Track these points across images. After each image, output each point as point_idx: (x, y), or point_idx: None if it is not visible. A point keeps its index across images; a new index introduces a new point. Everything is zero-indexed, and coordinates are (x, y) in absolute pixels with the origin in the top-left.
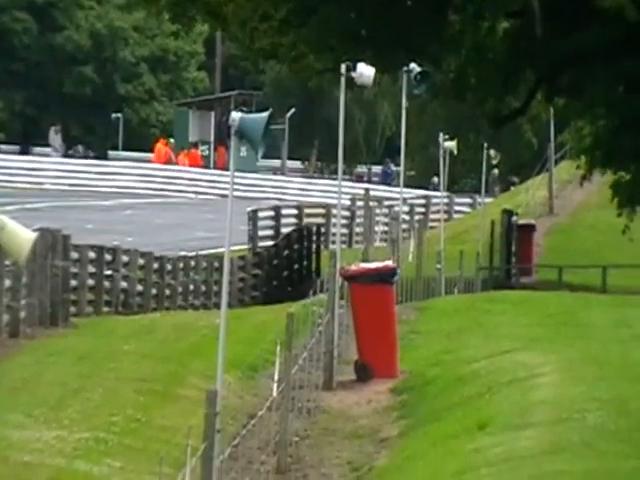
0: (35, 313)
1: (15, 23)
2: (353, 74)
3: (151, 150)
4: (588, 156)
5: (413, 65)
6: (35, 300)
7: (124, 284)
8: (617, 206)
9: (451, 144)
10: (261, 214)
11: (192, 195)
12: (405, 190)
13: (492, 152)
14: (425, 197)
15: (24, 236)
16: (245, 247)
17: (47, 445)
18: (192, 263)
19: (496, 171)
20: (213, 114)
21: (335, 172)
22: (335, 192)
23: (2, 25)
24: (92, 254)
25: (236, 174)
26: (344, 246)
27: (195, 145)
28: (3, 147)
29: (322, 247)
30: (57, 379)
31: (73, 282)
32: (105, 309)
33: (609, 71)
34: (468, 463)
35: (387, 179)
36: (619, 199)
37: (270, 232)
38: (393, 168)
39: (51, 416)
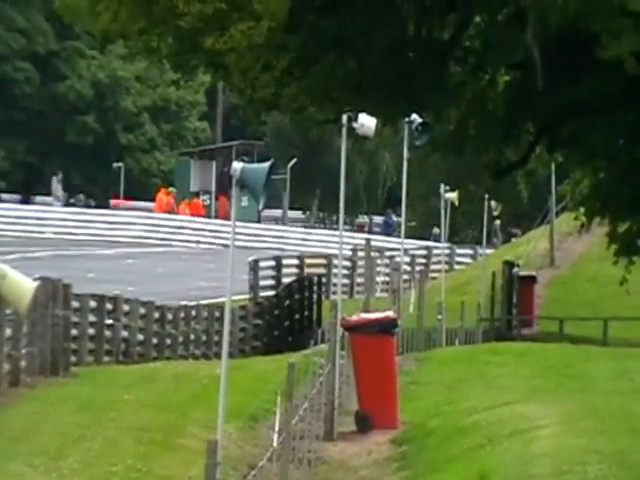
0: (35, 362)
1: (17, 72)
2: (354, 125)
3: (152, 199)
4: (586, 206)
5: (415, 116)
6: (36, 349)
7: (125, 333)
8: (613, 254)
9: (452, 195)
10: (262, 264)
11: (194, 245)
12: (406, 241)
13: (493, 203)
14: (426, 248)
15: (25, 286)
16: (246, 297)
17: None
18: (193, 312)
19: (498, 222)
20: (214, 164)
21: (336, 222)
22: (336, 242)
23: (4, 74)
24: (93, 303)
25: (238, 224)
26: (345, 296)
27: (197, 194)
28: (5, 196)
29: (323, 297)
30: (57, 428)
31: (74, 331)
32: (106, 358)
33: (610, 123)
34: None
35: (388, 229)
36: (616, 248)
37: (271, 282)
38: (394, 218)
39: (51, 465)
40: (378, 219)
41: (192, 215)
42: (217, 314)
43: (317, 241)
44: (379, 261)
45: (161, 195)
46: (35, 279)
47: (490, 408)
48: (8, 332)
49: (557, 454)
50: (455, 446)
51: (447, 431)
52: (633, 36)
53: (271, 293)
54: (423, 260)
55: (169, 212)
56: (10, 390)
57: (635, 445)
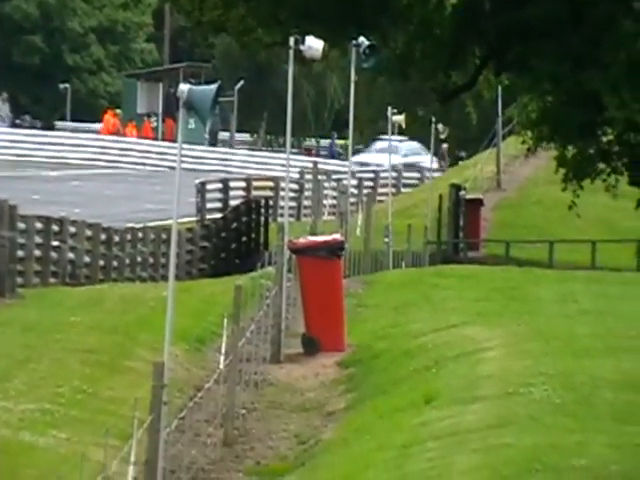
0: None
1: None
2: (302, 47)
3: (99, 121)
4: (534, 131)
5: (362, 39)
6: None
7: (71, 255)
8: (562, 180)
9: (399, 118)
10: (209, 186)
11: (140, 167)
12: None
13: (440, 127)
14: (373, 171)
15: None
16: (193, 219)
17: None
18: (140, 235)
19: (445, 145)
20: (161, 86)
21: (283, 145)
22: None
23: None
24: (39, 225)
25: (184, 146)
26: (292, 219)
27: (148, 116)
28: None
29: (270, 220)
30: (3, 350)
31: (20, 253)
32: (52, 280)
33: (556, 47)
34: (414, 437)
35: (333, 153)
36: (565, 173)
37: (218, 205)
38: (337, 142)
39: None
40: (325, 142)
41: (141, 137)
42: (164, 236)
43: (264, 164)
44: (326, 184)
45: (108, 117)
46: None
47: (436, 330)
48: None
49: (502, 376)
50: (401, 368)
51: (394, 354)
52: None
53: (218, 216)
54: (370, 183)
55: (115, 134)
56: None
57: (579, 367)
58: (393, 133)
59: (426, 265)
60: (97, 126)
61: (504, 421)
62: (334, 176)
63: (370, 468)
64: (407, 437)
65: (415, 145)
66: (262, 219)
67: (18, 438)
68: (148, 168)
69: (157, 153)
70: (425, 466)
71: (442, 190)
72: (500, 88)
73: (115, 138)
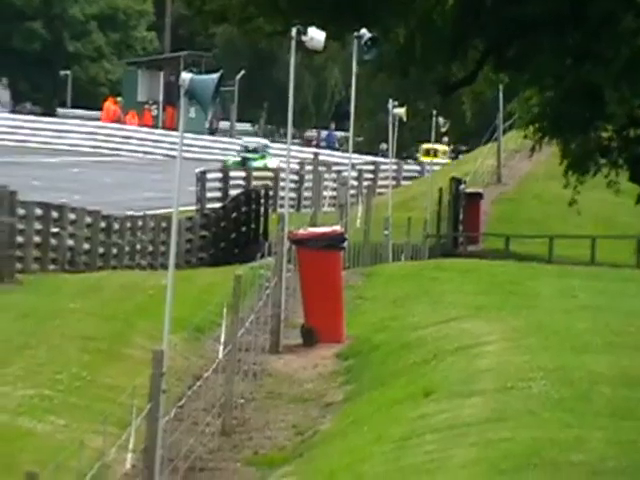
0: None
1: None
2: (304, 38)
3: (100, 108)
4: (536, 126)
5: (364, 31)
6: None
7: (71, 242)
8: (564, 172)
9: (400, 111)
10: (210, 176)
11: (140, 155)
12: (354, 156)
13: (441, 120)
14: (374, 163)
15: None
16: (193, 208)
17: None
18: (140, 223)
19: (445, 139)
20: (162, 74)
21: (284, 135)
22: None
23: None
24: (39, 211)
25: (185, 135)
26: (292, 210)
27: (151, 104)
28: None
29: (270, 210)
30: (1, 336)
31: (19, 239)
32: (51, 267)
33: (557, 42)
34: (413, 429)
35: (331, 143)
36: (568, 163)
37: (218, 194)
38: (336, 133)
39: None
40: (326, 133)
41: (141, 125)
42: (164, 225)
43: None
44: (327, 175)
45: (108, 104)
46: None
47: (435, 324)
48: None
49: (501, 370)
50: (400, 361)
51: (392, 346)
52: None
53: (218, 205)
54: (370, 175)
55: (116, 121)
56: None
57: (577, 362)
58: (393, 126)
59: (425, 258)
60: (98, 114)
61: (503, 415)
62: (334, 167)
63: (368, 460)
64: (405, 430)
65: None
66: (262, 209)
67: (16, 424)
68: (148, 156)
69: (156, 141)
70: (423, 459)
71: (442, 184)
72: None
73: (116, 125)
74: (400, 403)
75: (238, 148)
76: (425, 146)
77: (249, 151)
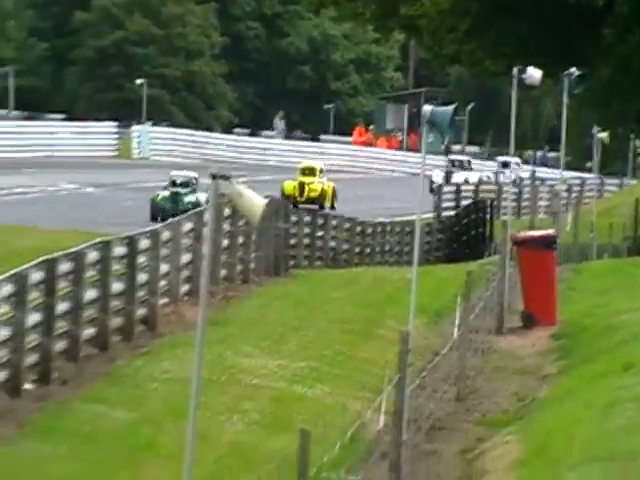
0: (262, 265)
1: (249, 31)
2: (523, 76)
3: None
4: None
5: (573, 69)
6: (262, 254)
7: (333, 243)
8: None
9: (603, 135)
10: (445, 189)
11: (388, 173)
12: (564, 172)
13: (638, 142)
14: (581, 178)
15: (257, 202)
16: (431, 215)
17: (271, 371)
18: (388, 227)
19: None
20: (406, 106)
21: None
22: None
23: (238, 32)
24: (307, 218)
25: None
26: (513, 217)
27: (397, 131)
28: (237, 130)
29: (494, 217)
30: (279, 319)
31: (292, 240)
32: (317, 263)
33: None
34: (615, 398)
35: (544, 162)
36: None
37: (452, 204)
38: (548, 155)
39: (274, 348)
40: (540, 154)
41: (389, 148)
42: (407, 229)
43: (490, 171)
44: (541, 189)
45: (357, 131)
46: (264, 197)
47: (634, 310)
48: (240, 240)
49: None
50: (605, 341)
51: (598, 328)
52: None
53: (452, 213)
54: (578, 188)
55: (367, 145)
56: (242, 286)
57: None
58: (597, 147)
59: (624, 256)
60: (350, 139)
61: None
62: (548, 182)
63: (578, 423)
64: (609, 398)
65: None
66: (488, 217)
67: (291, 390)
68: (395, 174)
69: (400, 161)
70: (625, 423)
71: (639, 194)
72: None
73: (367, 148)
74: (604, 376)
75: (165, 183)
76: None
77: (178, 185)
